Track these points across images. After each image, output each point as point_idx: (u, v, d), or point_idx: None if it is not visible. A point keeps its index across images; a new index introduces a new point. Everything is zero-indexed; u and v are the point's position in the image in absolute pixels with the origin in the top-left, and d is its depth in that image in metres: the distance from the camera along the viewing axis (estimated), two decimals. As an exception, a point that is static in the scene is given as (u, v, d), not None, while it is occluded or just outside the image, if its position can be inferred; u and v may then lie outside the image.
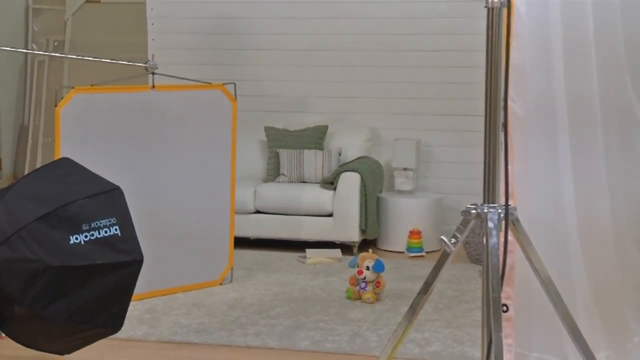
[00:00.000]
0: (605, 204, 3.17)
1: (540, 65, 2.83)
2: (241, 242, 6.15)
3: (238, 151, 5.52)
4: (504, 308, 2.62)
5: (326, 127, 6.93)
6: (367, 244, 6.41)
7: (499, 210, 2.46)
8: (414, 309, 2.63)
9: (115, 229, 3.19)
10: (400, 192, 6.73)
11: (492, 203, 2.49)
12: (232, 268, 5.48)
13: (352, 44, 7.06)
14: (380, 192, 6.78)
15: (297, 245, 6.39)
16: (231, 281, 5.46)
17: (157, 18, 7.35)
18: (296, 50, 7.18)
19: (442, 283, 5.13)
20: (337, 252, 6.22)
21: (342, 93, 7.13)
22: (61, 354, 3.46)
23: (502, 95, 2.47)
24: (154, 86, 5.13)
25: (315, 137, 6.86)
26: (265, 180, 6.76)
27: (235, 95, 5.39)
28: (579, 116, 2.98)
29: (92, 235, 3.13)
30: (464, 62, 6.71)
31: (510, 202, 2.46)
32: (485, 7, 2.44)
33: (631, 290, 3.54)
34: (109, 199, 3.24)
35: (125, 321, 3.33)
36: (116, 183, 3.32)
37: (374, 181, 6.56)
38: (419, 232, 6.40)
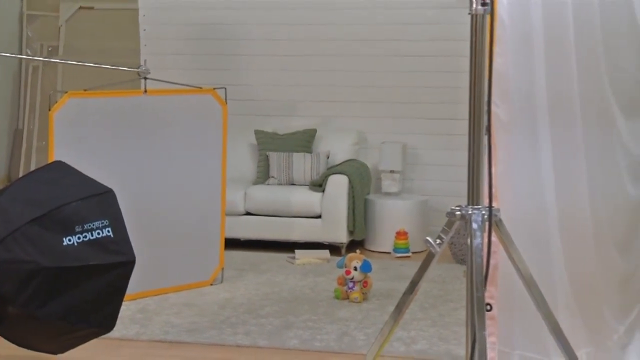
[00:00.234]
0: (585, 204, 3.18)
1: (522, 71, 2.83)
2: (232, 243, 6.13)
3: (229, 154, 5.51)
4: (488, 307, 2.62)
5: (315, 131, 6.93)
6: (354, 244, 6.41)
7: (483, 212, 2.47)
8: (400, 308, 2.63)
9: (108, 231, 3.18)
10: (387, 194, 6.74)
11: (476, 205, 2.49)
12: (222, 268, 5.47)
13: (340, 49, 7.06)
14: (368, 194, 6.78)
15: (287, 246, 6.39)
16: (222, 281, 5.45)
17: (149, 24, 7.33)
18: (285, 55, 7.17)
19: (427, 283, 5.13)
20: (326, 253, 6.22)
21: (330, 97, 7.14)
22: (54, 353, 3.45)
23: (485, 99, 2.48)
24: (146, 91, 5.12)
25: (304, 141, 6.85)
26: (255, 183, 6.75)
27: (226, 99, 5.39)
28: (560, 119, 2.99)
29: (85, 236, 3.13)
30: (448, 67, 6.73)
31: (493, 204, 2.47)
32: (469, 14, 2.44)
33: (611, 290, 3.55)
34: (102, 201, 3.23)
35: (118, 321, 3.32)
36: (109, 186, 3.32)
37: (362, 183, 6.56)
38: (405, 233, 6.40)
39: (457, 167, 6.51)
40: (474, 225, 2.45)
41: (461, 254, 5.98)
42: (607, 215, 3.42)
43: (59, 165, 3.44)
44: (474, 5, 2.42)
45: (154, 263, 4.99)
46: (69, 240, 3.08)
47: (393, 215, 6.55)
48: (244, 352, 4.15)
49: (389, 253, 6.47)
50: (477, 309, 2.36)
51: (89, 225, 3.13)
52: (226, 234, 5.53)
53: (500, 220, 2.50)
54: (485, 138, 2.50)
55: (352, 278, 5.02)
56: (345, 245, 6.38)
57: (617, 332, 3.57)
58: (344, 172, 6.44)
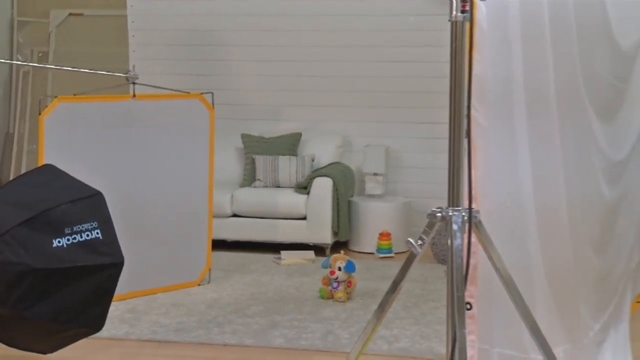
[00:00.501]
0: (562, 206, 3.20)
1: (501, 76, 2.84)
2: (219, 245, 6.13)
3: (216, 157, 5.50)
4: (468, 306, 2.63)
5: (300, 135, 6.93)
6: (339, 245, 6.41)
7: (463, 214, 2.47)
8: (382, 307, 2.64)
9: (97, 233, 3.17)
10: (371, 196, 6.74)
11: (456, 206, 2.50)
12: (210, 269, 5.45)
13: (324, 55, 7.07)
14: (352, 196, 6.78)
15: (273, 247, 6.38)
16: (209, 282, 5.44)
17: (138, 30, 7.31)
18: (271, 61, 7.17)
19: (410, 282, 5.15)
20: (311, 254, 6.22)
21: (315, 102, 7.14)
22: (44, 353, 3.43)
23: (465, 104, 2.49)
24: (134, 95, 5.11)
25: (290, 144, 6.85)
26: (242, 185, 6.74)
27: (213, 104, 5.38)
28: (537, 123, 3.00)
29: (75, 238, 3.11)
30: (429, 72, 6.74)
31: (473, 206, 2.47)
32: (449, 21, 2.45)
33: (587, 288, 3.57)
34: (91, 203, 3.21)
35: (107, 321, 3.31)
36: (98, 188, 3.30)
37: (346, 186, 6.57)
38: (388, 234, 6.41)
39: (439, 170, 6.52)
40: (454, 227, 2.45)
41: (442, 254, 5.99)
42: (583, 216, 3.44)
43: (49, 169, 3.43)
44: (454, 13, 2.43)
45: (143, 264, 4.97)
46: (59, 242, 3.06)
47: (376, 216, 6.56)
48: (231, 351, 4.14)
49: (372, 254, 6.48)
50: (458, 308, 2.37)
51: (79, 227, 3.12)
52: (213, 236, 5.52)
53: (479, 221, 2.50)
54: (465, 141, 2.51)
55: (337, 278, 5.03)
56: (329, 246, 6.38)
57: (593, 329, 3.59)
58: (328, 174, 6.44)
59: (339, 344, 4.21)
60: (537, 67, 2.98)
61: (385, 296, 2.62)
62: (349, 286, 5.06)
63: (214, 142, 5.40)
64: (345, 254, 5.25)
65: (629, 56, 4.00)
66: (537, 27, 2.95)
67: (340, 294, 5.01)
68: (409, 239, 2.53)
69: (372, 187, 6.73)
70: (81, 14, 8.14)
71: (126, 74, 5.17)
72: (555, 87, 3.06)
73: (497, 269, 2.54)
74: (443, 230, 2.50)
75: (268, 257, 6.22)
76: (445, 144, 2.56)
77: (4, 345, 3.30)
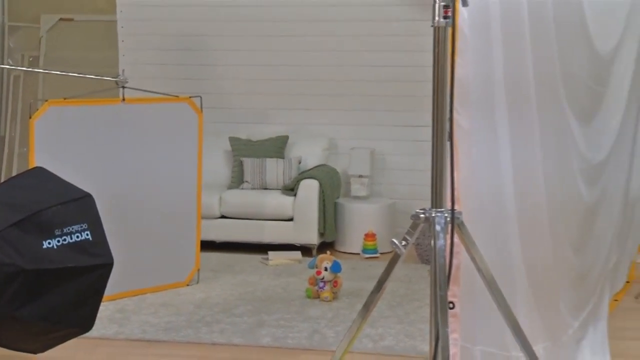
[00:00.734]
0: (543, 207, 3.21)
1: (482, 80, 2.85)
2: (207, 245, 6.11)
3: (204, 160, 5.49)
4: (451, 305, 2.63)
5: (287, 137, 6.92)
6: (325, 246, 6.41)
7: (446, 215, 2.47)
8: (367, 306, 2.63)
9: (87, 234, 3.15)
10: (356, 197, 6.75)
11: (439, 208, 2.50)
12: (198, 270, 5.44)
13: (310, 59, 7.07)
14: (338, 197, 6.78)
15: (260, 248, 6.37)
16: (198, 282, 5.42)
17: (128, 35, 7.28)
18: (258, 65, 7.16)
19: (394, 282, 5.15)
20: (298, 254, 6.21)
21: (301, 105, 7.14)
22: (35, 352, 3.40)
23: (448, 107, 2.49)
24: (124, 99, 5.09)
25: (277, 147, 6.85)
26: (230, 187, 6.73)
27: (201, 107, 5.36)
28: (518, 126, 3.01)
29: (65, 240, 3.09)
30: (413, 76, 6.75)
31: (456, 207, 2.48)
32: (432, 26, 2.45)
33: (566, 287, 3.59)
34: (81, 205, 3.20)
35: (97, 320, 3.29)
36: (87, 190, 3.28)
37: (332, 187, 6.57)
38: (373, 235, 6.41)
39: (422, 172, 6.52)
40: (437, 228, 2.45)
41: (426, 254, 6.00)
42: (563, 217, 3.46)
43: (39, 171, 3.40)
44: (437, 19, 2.43)
45: (132, 265, 4.95)
46: (49, 243, 3.04)
47: (362, 217, 6.56)
48: (219, 350, 4.13)
49: (358, 254, 6.48)
50: (441, 307, 2.37)
51: (69, 229, 3.10)
52: (202, 237, 5.50)
53: (462, 222, 2.51)
54: (448, 144, 2.51)
55: (323, 278, 5.02)
56: (316, 247, 6.38)
57: (572, 327, 3.60)
58: (314, 176, 6.44)
59: (325, 342, 4.20)
60: (517, 71, 2.99)
61: (370, 296, 2.62)
62: (335, 286, 5.06)
63: (203, 145, 5.39)
64: (331, 254, 5.25)
65: (607, 60, 4.03)
66: (518, 32, 2.96)
67: (326, 293, 5.01)
68: (393, 239, 2.53)
69: (357, 188, 6.74)
70: (71, 19, 8.10)
71: (116, 78, 5.15)
72: (536, 89, 3.08)
73: (479, 269, 2.54)
74: (427, 231, 2.50)
75: (256, 257, 6.21)
76: (428, 147, 2.56)
77: (-6, 345, 3.27)
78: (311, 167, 6.77)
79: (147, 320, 4.57)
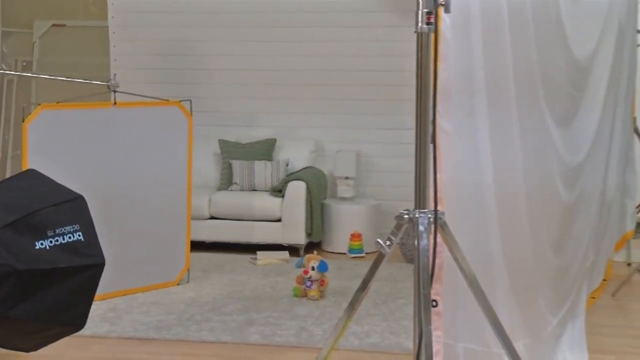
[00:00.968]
0: (522, 207, 3.21)
1: (464, 84, 2.85)
2: (197, 246, 6.09)
3: (194, 162, 5.47)
4: (434, 303, 2.63)
5: (274, 140, 6.92)
6: (312, 246, 6.41)
7: (429, 215, 2.47)
8: (353, 304, 2.63)
9: (79, 235, 3.13)
10: (342, 198, 6.75)
11: (423, 208, 2.49)
12: (188, 269, 5.42)
13: (298, 64, 7.07)
14: (324, 198, 6.78)
15: (249, 248, 6.36)
16: (188, 281, 5.40)
17: (119, 41, 7.26)
18: (247, 70, 7.16)
19: (380, 281, 5.15)
20: (285, 254, 6.21)
21: (289, 109, 7.14)
22: (28, 351, 3.38)
23: (430, 111, 2.49)
24: (115, 103, 5.07)
25: (265, 149, 6.84)
26: (219, 189, 6.72)
27: (191, 111, 5.35)
28: (499, 128, 3.02)
29: (57, 240, 3.07)
30: (397, 81, 6.76)
31: (438, 208, 2.48)
32: (415, 32, 2.45)
33: (545, 285, 3.60)
34: (73, 207, 3.17)
35: (89, 319, 3.26)
36: (80, 192, 3.26)
37: (319, 189, 6.57)
38: (359, 235, 6.41)
39: (406, 174, 6.54)
40: (421, 228, 2.45)
41: (411, 254, 6.01)
42: (542, 217, 3.47)
43: (32, 174, 3.38)
44: (420, 25, 2.43)
45: (124, 265, 4.93)
46: (42, 244, 3.02)
47: (348, 218, 6.56)
48: (209, 348, 4.12)
49: (344, 254, 6.48)
50: (424, 305, 2.36)
51: (61, 230, 3.08)
52: (192, 237, 5.49)
53: (444, 222, 2.51)
54: (431, 146, 2.51)
55: (310, 277, 5.02)
56: (303, 247, 6.37)
57: (551, 324, 3.61)
58: (302, 178, 6.43)
59: (312, 340, 4.20)
60: (498, 77, 3.00)
61: (355, 294, 2.62)
62: (321, 285, 5.05)
63: (193, 148, 5.37)
64: (318, 254, 5.24)
65: (584, 66, 4.05)
66: (499, 38, 2.97)
67: (313, 292, 5.00)
68: (378, 239, 2.53)
69: (343, 190, 6.74)
70: (64, 25, 8.06)
71: (107, 82, 5.13)
72: (516, 93, 3.08)
73: (461, 268, 2.54)
74: (410, 231, 2.50)
75: (245, 257, 6.19)
76: (412, 149, 2.56)
77: (-12, 344, 3.25)
78: (298, 169, 6.77)
79: (139, 319, 4.55)
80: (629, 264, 5.95)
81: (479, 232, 2.98)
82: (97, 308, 4.48)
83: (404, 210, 2.50)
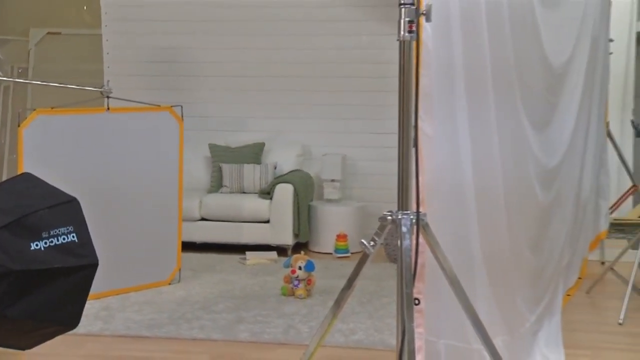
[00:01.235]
0: (501, 208, 3.23)
1: (445, 90, 2.86)
2: (188, 246, 6.07)
3: (185, 165, 5.46)
4: (416, 301, 2.63)
5: (263, 144, 6.91)
6: (299, 246, 6.40)
7: (411, 217, 2.48)
8: (338, 303, 2.63)
9: (73, 236, 3.11)
10: (329, 200, 6.75)
11: (405, 210, 2.50)
12: (179, 269, 5.40)
13: (286, 71, 7.07)
14: (311, 200, 6.78)
15: (238, 249, 6.35)
16: (179, 281, 5.38)
17: (112, 48, 7.24)
18: (236, 76, 7.16)
19: (365, 280, 5.15)
20: (273, 254, 6.20)
21: (277, 114, 7.13)
22: (23, 349, 3.35)
23: (413, 115, 2.50)
24: (108, 108, 5.05)
25: (254, 153, 6.83)
26: (210, 191, 6.70)
27: (182, 116, 5.34)
28: (479, 134, 3.03)
29: (52, 242, 3.05)
30: (381, 87, 6.79)
31: (421, 209, 2.48)
32: (398, 40, 2.46)
33: (523, 284, 3.61)
34: (67, 209, 3.16)
35: (83, 318, 3.24)
36: (74, 194, 3.24)
37: (306, 191, 6.56)
38: (345, 236, 6.42)
39: (390, 176, 6.54)
40: (404, 229, 2.46)
41: (394, 254, 6.00)
42: (520, 218, 3.48)
43: (27, 177, 3.36)
44: (402, 33, 2.44)
45: (117, 265, 4.91)
46: (36, 245, 3.00)
47: (334, 219, 6.56)
48: (199, 345, 4.10)
49: (330, 254, 6.48)
50: (407, 303, 2.37)
51: (55, 231, 3.06)
52: (183, 238, 5.47)
53: (426, 223, 2.51)
54: (413, 150, 2.52)
55: (297, 277, 5.01)
56: (291, 247, 6.37)
57: (529, 321, 3.63)
58: (289, 181, 6.43)
59: (300, 337, 4.19)
60: (478, 84, 3.01)
61: (341, 293, 2.62)
62: (308, 284, 5.05)
63: (184, 151, 5.36)
64: (305, 254, 5.24)
65: (559, 73, 4.07)
66: (478, 47, 2.98)
67: (300, 291, 5.00)
68: (363, 240, 2.53)
69: (329, 192, 6.74)
70: (59, 33, 8.03)
71: (101, 88, 5.11)
72: (495, 101, 3.10)
73: (442, 268, 2.55)
74: (394, 232, 2.50)
75: (234, 257, 6.18)
76: (395, 153, 2.57)
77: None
78: (286, 172, 6.76)
79: (131, 317, 4.53)
80: (602, 263, 5.99)
81: (459, 232, 2.99)
82: (90, 307, 4.46)
83: (388, 212, 2.51)
